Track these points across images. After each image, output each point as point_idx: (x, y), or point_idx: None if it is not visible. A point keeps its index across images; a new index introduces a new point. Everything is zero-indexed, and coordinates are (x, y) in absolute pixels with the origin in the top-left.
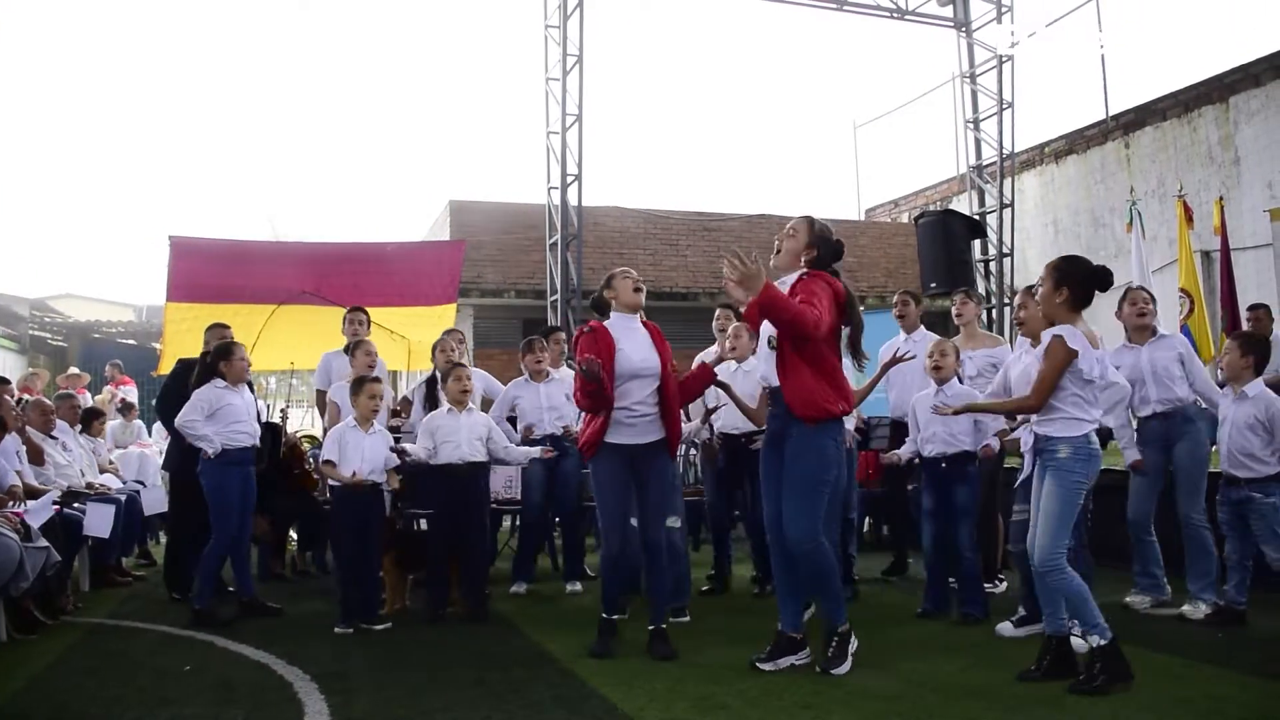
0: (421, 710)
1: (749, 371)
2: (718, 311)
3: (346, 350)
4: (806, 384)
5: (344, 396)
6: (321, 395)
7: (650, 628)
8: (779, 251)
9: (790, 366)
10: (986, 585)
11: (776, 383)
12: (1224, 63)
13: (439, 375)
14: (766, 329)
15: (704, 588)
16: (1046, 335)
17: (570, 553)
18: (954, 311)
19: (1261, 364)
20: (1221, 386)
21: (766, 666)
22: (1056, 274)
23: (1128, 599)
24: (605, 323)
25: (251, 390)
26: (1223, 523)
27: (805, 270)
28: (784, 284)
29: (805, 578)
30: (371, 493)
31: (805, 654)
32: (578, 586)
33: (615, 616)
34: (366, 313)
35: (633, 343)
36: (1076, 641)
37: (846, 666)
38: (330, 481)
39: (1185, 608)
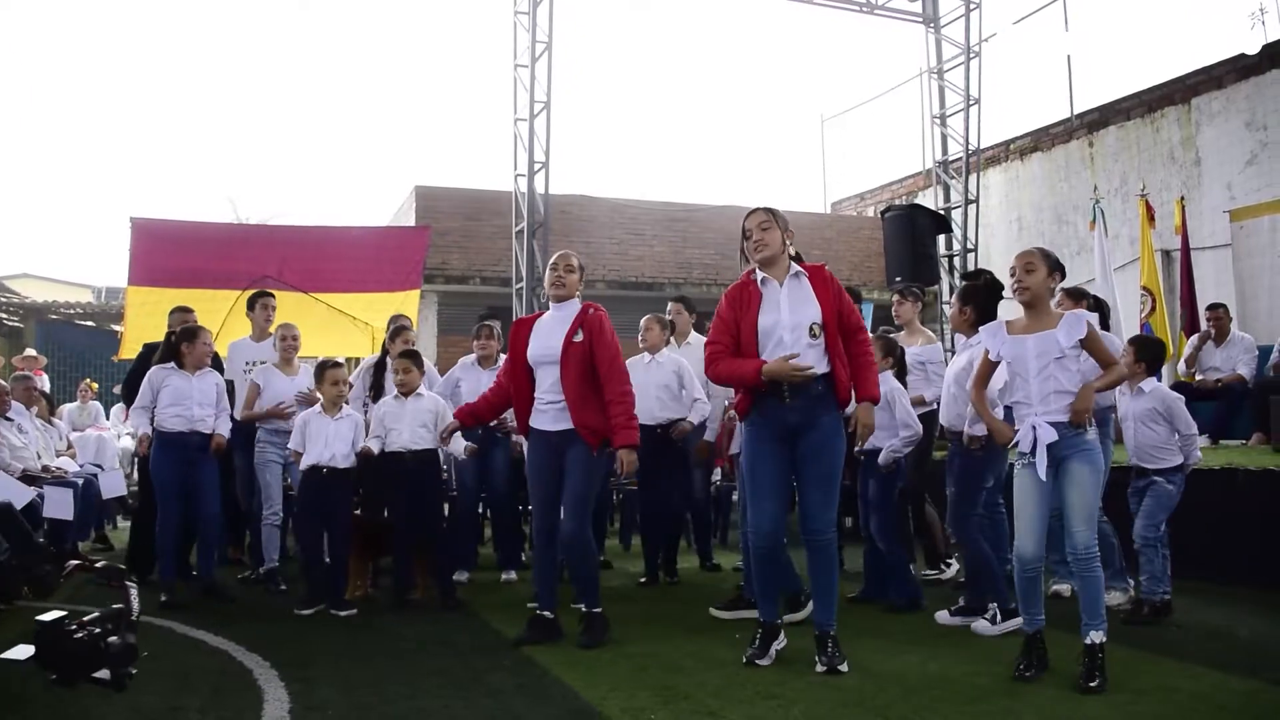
0: (383, 698)
1: (661, 363)
2: (669, 305)
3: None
4: (847, 375)
5: (267, 378)
6: (230, 384)
7: (584, 612)
8: (764, 245)
9: (838, 356)
10: (930, 572)
11: (821, 370)
12: (1187, 64)
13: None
14: (796, 319)
15: (641, 579)
16: (1074, 318)
17: (503, 541)
18: (892, 311)
19: (1155, 365)
20: None
21: (764, 662)
22: (1048, 261)
23: (1055, 586)
24: (544, 314)
25: (222, 373)
26: (1134, 512)
27: (810, 265)
28: (800, 277)
29: (813, 571)
30: (337, 479)
31: (783, 637)
32: (512, 575)
33: (546, 613)
34: (275, 297)
35: (544, 331)
36: (981, 624)
37: (846, 664)
38: (299, 468)
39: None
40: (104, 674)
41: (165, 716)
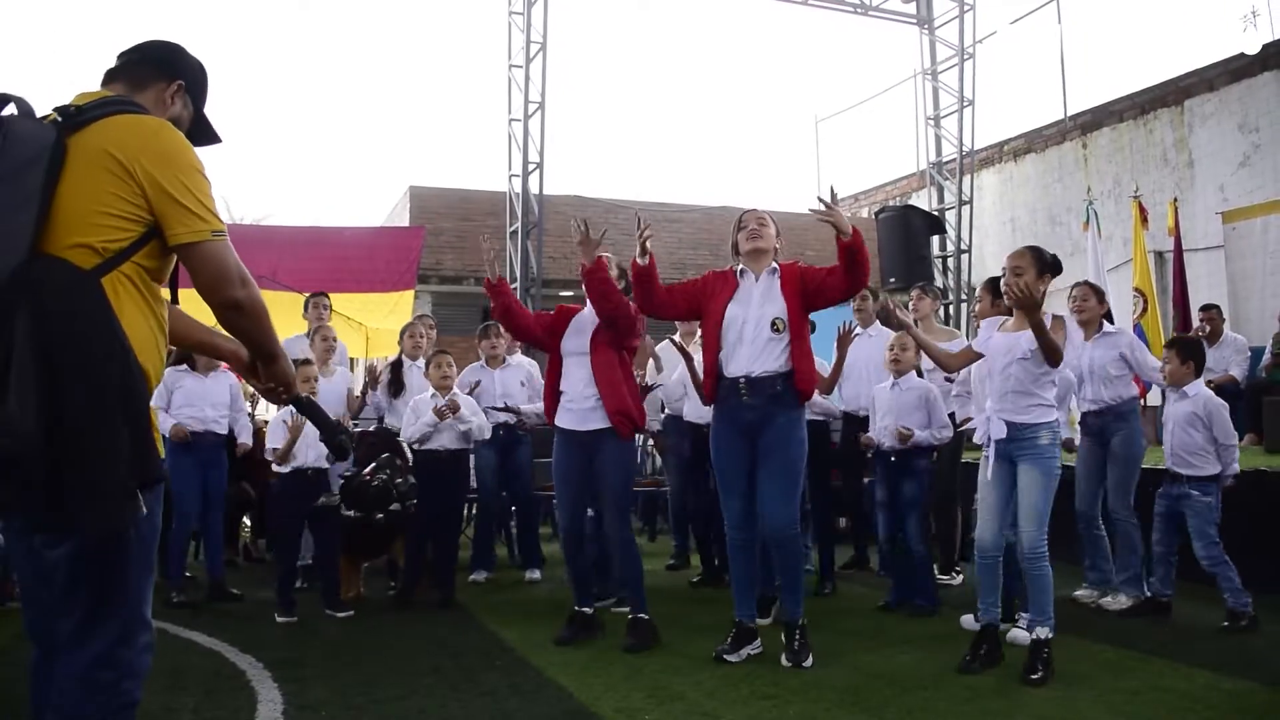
0: (377, 699)
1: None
2: None
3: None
4: (812, 368)
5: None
6: None
7: (629, 617)
8: (759, 236)
9: (803, 350)
10: (943, 577)
11: (774, 369)
12: (1179, 66)
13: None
14: (760, 314)
15: (694, 579)
16: (1045, 317)
17: (525, 540)
18: (910, 306)
19: (1200, 366)
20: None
21: (733, 658)
22: (1040, 263)
23: (1077, 593)
24: (584, 310)
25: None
26: (1156, 515)
27: (783, 264)
28: (774, 275)
29: (779, 566)
30: (318, 480)
31: (758, 643)
32: (536, 574)
33: (585, 609)
34: (327, 296)
35: (578, 325)
36: (1019, 633)
37: (811, 658)
38: (276, 469)
39: (1105, 599)
40: (395, 506)
41: (159, 717)
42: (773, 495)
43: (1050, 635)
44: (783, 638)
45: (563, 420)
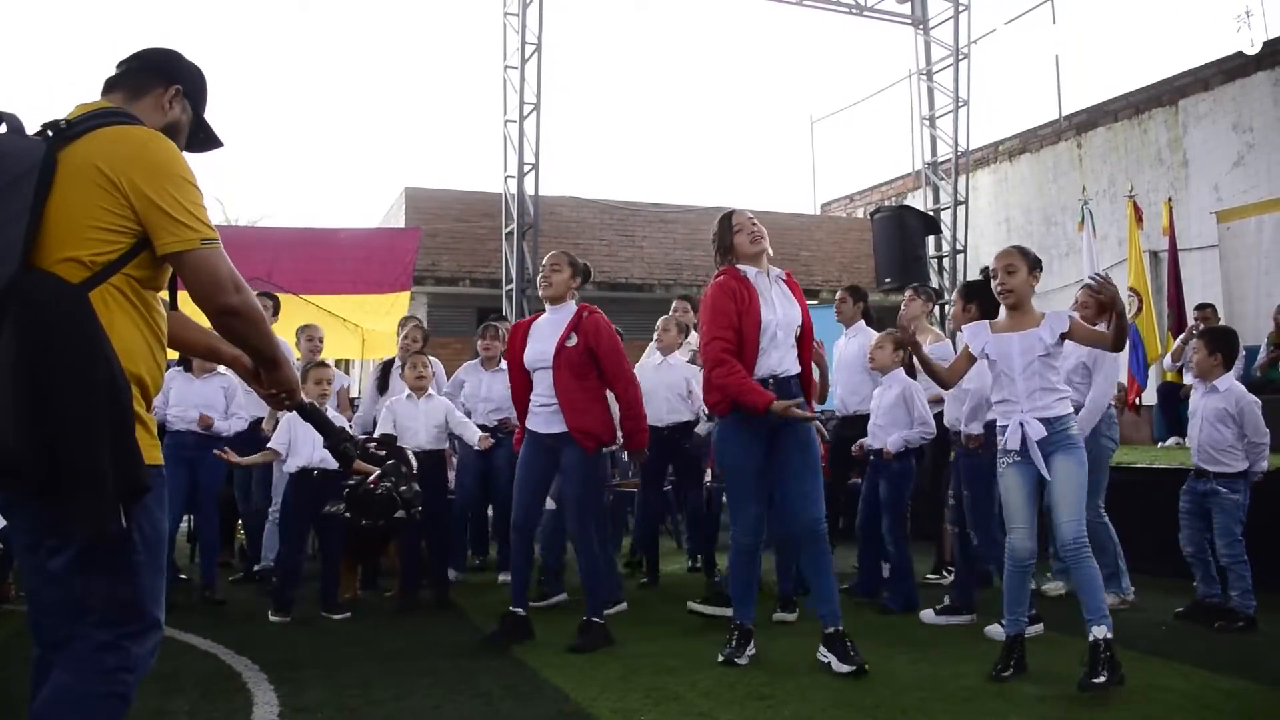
0: (372, 700)
1: (673, 365)
2: (674, 303)
3: None
4: (809, 375)
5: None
6: None
7: (582, 618)
8: (763, 237)
9: (805, 360)
10: (931, 576)
11: (794, 370)
12: (1174, 66)
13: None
14: (788, 318)
15: (642, 580)
16: (1056, 316)
17: (503, 540)
18: (903, 307)
19: (1231, 358)
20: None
21: (741, 661)
22: (1028, 259)
23: (1044, 586)
24: (540, 316)
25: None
26: (1182, 513)
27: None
28: (781, 280)
29: (810, 563)
30: (328, 481)
31: (753, 646)
32: (508, 576)
33: (519, 610)
34: (274, 298)
35: (539, 334)
36: (994, 629)
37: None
38: (285, 469)
39: (1056, 586)
40: (400, 514)
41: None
42: (802, 492)
43: (1110, 634)
44: (821, 649)
45: (531, 422)
